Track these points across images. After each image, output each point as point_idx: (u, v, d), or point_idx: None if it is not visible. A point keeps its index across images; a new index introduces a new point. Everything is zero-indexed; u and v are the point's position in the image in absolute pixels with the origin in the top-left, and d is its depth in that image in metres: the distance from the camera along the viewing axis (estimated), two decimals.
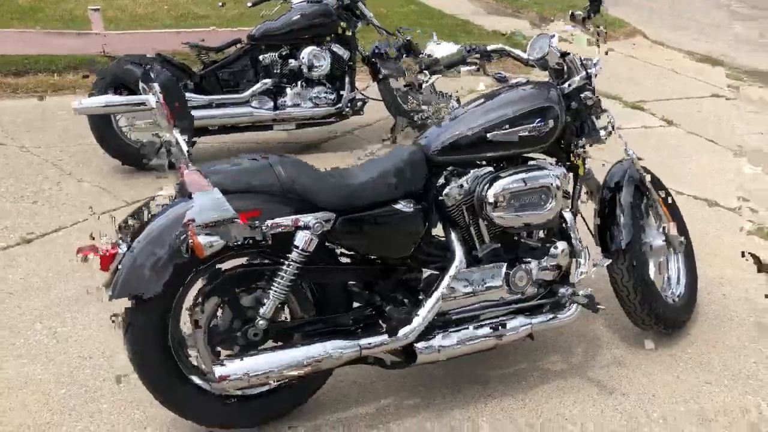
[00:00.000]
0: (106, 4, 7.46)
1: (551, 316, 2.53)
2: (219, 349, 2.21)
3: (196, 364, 2.22)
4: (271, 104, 4.48)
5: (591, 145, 2.62)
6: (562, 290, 2.56)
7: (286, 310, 2.31)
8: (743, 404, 2.55)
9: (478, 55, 2.65)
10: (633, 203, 2.72)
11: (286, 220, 2.09)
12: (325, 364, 2.18)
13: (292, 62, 4.53)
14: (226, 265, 2.20)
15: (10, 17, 7.16)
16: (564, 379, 2.66)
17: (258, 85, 4.40)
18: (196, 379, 2.21)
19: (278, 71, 4.53)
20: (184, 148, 2.02)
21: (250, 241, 2.07)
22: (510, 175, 2.40)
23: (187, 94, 4.13)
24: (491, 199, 2.35)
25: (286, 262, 2.11)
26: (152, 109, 2.15)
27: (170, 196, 2.17)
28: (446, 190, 2.39)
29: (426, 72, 4.98)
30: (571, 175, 2.61)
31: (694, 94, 6.52)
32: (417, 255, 2.38)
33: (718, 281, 3.32)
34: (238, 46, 4.50)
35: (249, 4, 4.89)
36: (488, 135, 2.39)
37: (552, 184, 2.43)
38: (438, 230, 2.46)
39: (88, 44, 5.84)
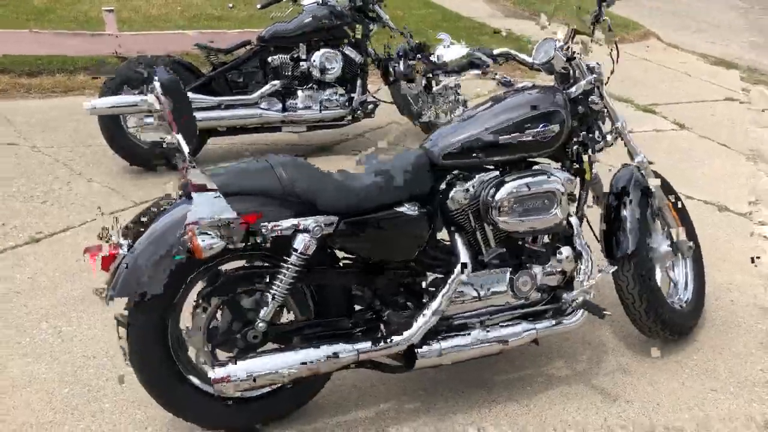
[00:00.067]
0: (120, 5, 7.53)
1: (556, 321, 2.51)
2: (217, 351, 2.22)
3: (195, 365, 2.22)
4: (279, 106, 4.48)
5: (600, 150, 2.60)
6: (566, 296, 2.54)
7: (285, 312, 2.31)
8: (748, 412, 2.52)
9: (484, 59, 2.64)
10: (639, 208, 2.69)
11: (286, 223, 2.09)
12: (323, 368, 2.18)
13: (304, 64, 4.54)
14: (226, 267, 2.21)
15: (25, 18, 7.24)
16: (568, 385, 2.65)
17: (267, 87, 4.41)
18: (195, 380, 2.22)
19: (289, 73, 4.54)
20: (186, 150, 2.02)
21: (251, 244, 2.08)
22: (516, 179, 2.39)
23: (196, 96, 4.15)
24: (497, 204, 2.34)
25: (286, 265, 2.11)
26: (157, 111, 2.16)
27: (172, 198, 2.18)
28: (451, 194, 2.38)
29: (442, 74, 5.01)
30: (577, 179, 2.59)
31: (708, 97, 6.46)
32: (421, 259, 2.37)
33: (727, 287, 3.29)
34: (248, 47, 4.51)
35: (258, 6, 4.90)
36: (494, 139, 2.37)
37: (558, 189, 2.42)
38: (442, 234, 2.45)
39: (101, 45, 5.90)
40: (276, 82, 4.43)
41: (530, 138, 2.41)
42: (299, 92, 4.55)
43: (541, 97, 2.49)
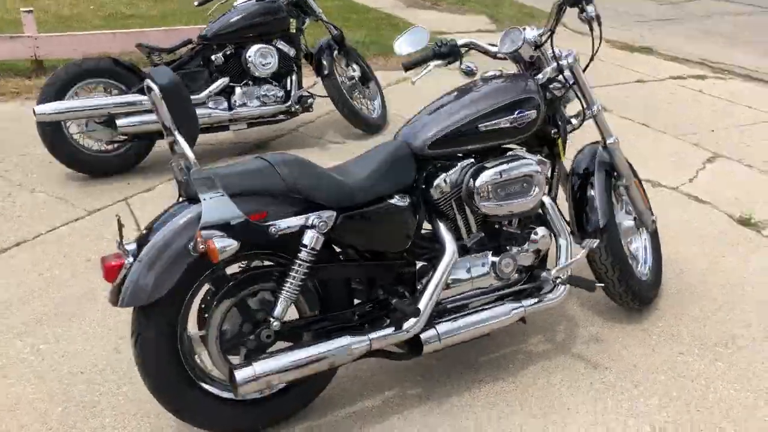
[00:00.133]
0: (27, 4, 7.15)
1: (540, 298, 2.63)
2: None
3: (207, 369, 2.21)
4: (226, 104, 4.44)
5: (571, 131, 2.74)
6: (544, 274, 2.67)
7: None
8: (715, 369, 2.75)
9: (447, 50, 2.72)
10: (605, 186, 2.86)
11: (294, 220, 2.11)
12: (339, 360, 2.22)
13: (241, 61, 4.50)
14: (231, 269, 2.21)
15: None
16: (549, 359, 2.79)
17: (215, 85, 4.35)
18: (205, 385, 2.21)
19: (228, 70, 4.49)
20: (190, 154, 2.00)
21: (259, 243, 2.09)
22: (496, 165, 2.49)
23: (142, 97, 4.04)
24: (479, 190, 2.43)
25: (298, 262, 2.13)
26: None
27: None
28: (435, 183, 2.46)
29: (355, 67, 5.09)
30: (548, 162, 2.72)
31: (621, 80, 6.82)
32: (411, 248, 2.44)
33: (674, 258, 3.53)
34: (190, 46, 4.42)
35: (195, 3, 4.80)
36: (475, 127, 2.46)
37: (535, 172, 2.54)
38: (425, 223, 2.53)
39: (18, 48, 5.59)
40: (225, 79, 4.37)
41: (508, 125, 2.52)
42: (237, 89, 4.51)
43: (514, 84, 2.60)
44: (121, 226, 2.07)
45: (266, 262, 2.25)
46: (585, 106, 2.80)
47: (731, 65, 7.43)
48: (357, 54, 5.28)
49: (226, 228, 2.00)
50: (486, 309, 2.54)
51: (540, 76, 2.68)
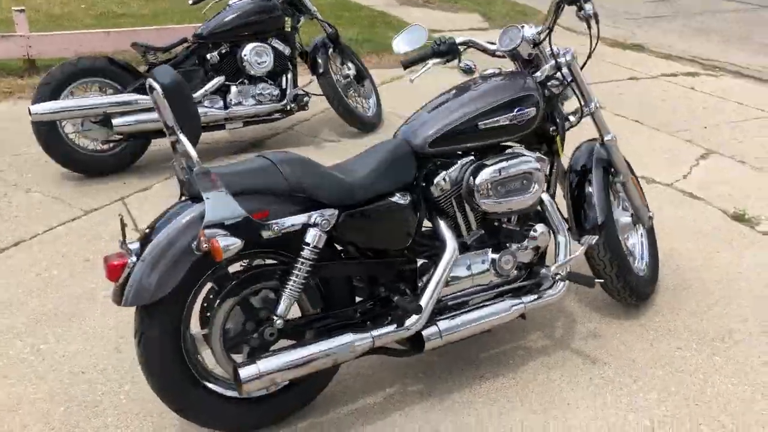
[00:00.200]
0: (18, 4, 7.12)
1: (539, 295, 2.65)
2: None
3: (211, 368, 2.22)
4: (221, 103, 4.44)
5: (569, 129, 2.76)
6: (543, 271, 2.69)
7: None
8: (712, 364, 2.77)
9: (446, 48, 2.73)
10: (603, 183, 2.88)
11: (297, 219, 2.12)
12: (342, 357, 2.23)
13: (236, 59, 4.50)
14: (233, 268, 2.21)
15: None
16: (548, 355, 2.80)
17: (211, 84, 4.35)
18: (209, 384, 2.22)
19: (224, 69, 4.49)
20: (193, 153, 2.01)
21: (262, 242, 2.09)
22: (495, 163, 2.50)
23: (138, 96, 4.03)
24: (479, 188, 2.45)
25: (300, 260, 2.14)
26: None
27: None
28: (435, 181, 2.47)
29: (350, 65, 5.10)
30: (547, 159, 2.74)
31: (613, 77, 6.86)
32: (412, 246, 2.45)
33: (669, 253, 3.55)
34: (185, 45, 4.41)
35: (190, 2, 4.79)
36: (475, 125, 2.48)
37: (534, 169, 2.55)
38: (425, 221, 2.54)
39: (10, 47, 5.56)
40: (220, 78, 4.37)
41: (508, 122, 2.53)
42: (233, 88, 4.51)
43: (514, 82, 2.61)
44: (123, 225, 2.07)
45: (269, 261, 2.26)
46: (583, 103, 2.82)
47: (723, 62, 7.48)
48: (352, 52, 5.29)
49: (229, 227, 2.00)
50: (486, 306, 2.56)
51: (538, 73, 2.69)
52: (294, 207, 2.15)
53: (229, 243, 1.97)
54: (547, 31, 2.64)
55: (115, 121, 4.01)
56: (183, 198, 2.15)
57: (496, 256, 2.56)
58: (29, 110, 3.81)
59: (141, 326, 2.06)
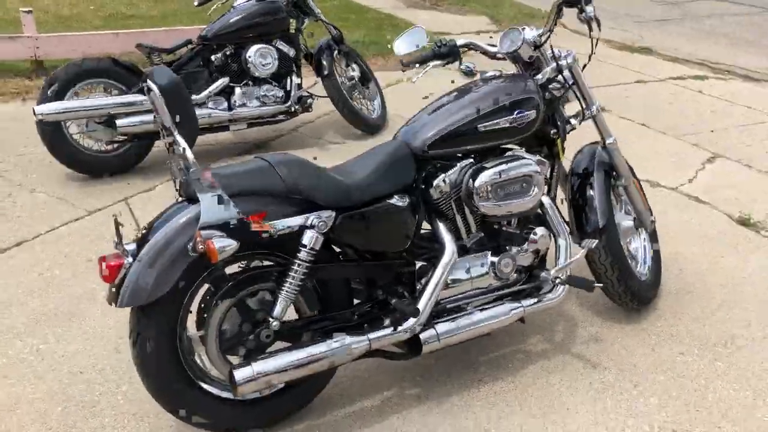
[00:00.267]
0: (26, 4, 7.17)
1: (539, 298, 2.63)
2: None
3: (206, 369, 2.22)
4: (226, 104, 4.45)
5: (570, 132, 2.74)
6: (543, 274, 2.67)
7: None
8: (714, 369, 2.75)
9: (447, 50, 2.73)
10: (604, 186, 2.86)
11: (294, 220, 2.12)
12: (339, 360, 2.22)
13: (240, 61, 4.51)
14: (230, 270, 2.21)
15: None
16: (548, 359, 2.79)
17: (215, 85, 4.36)
18: (204, 385, 2.21)
19: (228, 71, 4.50)
20: (188, 151, 2.01)
21: (258, 243, 2.09)
22: (495, 165, 2.49)
23: (141, 98, 4.04)
24: (479, 190, 2.44)
25: (297, 262, 2.14)
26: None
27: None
28: (434, 183, 2.46)
29: (354, 67, 5.10)
30: (547, 162, 2.72)
31: (621, 80, 6.83)
32: (411, 248, 2.44)
33: (673, 257, 3.53)
34: (189, 46, 4.43)
35: (195, 4, 4.81)
36: (475, 128, 2.47)
37: (534, 172, 2.54)
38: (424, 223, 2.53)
39: (18, 48, 5.60)
40: (225, 79, 4.38)
41: (508, 125, 2.52)
42: (237, 89, 4.52)
43: (514, 84, 2.60)
44: (118, 226, 2.07)
45: (265, 262, 2.25)
46: (584, 106, 2.81)
47: (731, 66, 7.43)
48: (356, 54, 5.29)
49: (225, 228, 2.00)
50: (485, 309, 2.54)
51: (539, 76, 2.68)
52: (291, 209, 2.15)
53: (224, 244, 1.97)
54: (548, 33, 2.63)
55: (120, 122, 4.02)
56: (180, 199, 2.15)
57: (495, 259, 2.55)
58: (34, 111, 3.83)
59: (137, 327, 2.07)
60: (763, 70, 7.25)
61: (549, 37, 2.64)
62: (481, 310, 2.54)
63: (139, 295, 1.99)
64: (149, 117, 4.06)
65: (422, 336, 2.37)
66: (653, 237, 3.18)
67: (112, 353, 2.69)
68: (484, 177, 2.45)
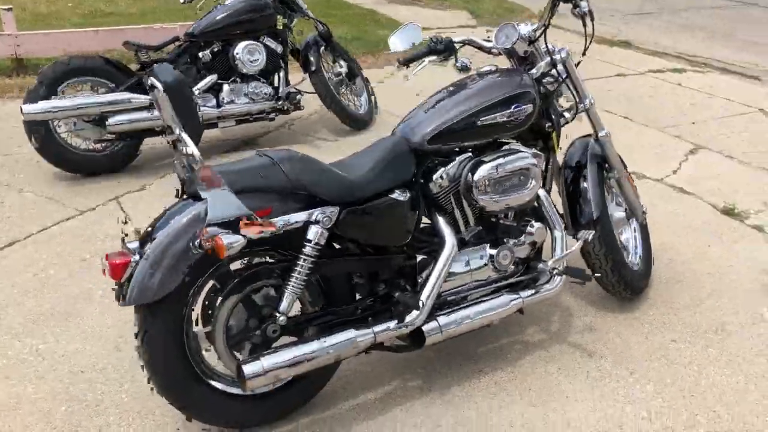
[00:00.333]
0: (5, 2, 7.06)
1: (537, 289, 2.68)
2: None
3: (214, 365, 2.22)
4: (214, 101, 4.43)
5: (564, 125, 2.79)
6: (540, 266, 2.72)
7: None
8: (707, 355, 2.81)
9: (443, 47, 2.75)
10: (598, 178, 2.91)
11: (298, 216, 2.13)
12: (345, 353, 2.24)
13: (228, 58, 4.50)
14: (235, 266, 2.22)
15: None
16: (545, 349, 2.83)
17: (203, 83, 4.34)
18: (212, 381, 2.22)
19: (216, 68, 4.49)
20: (194, 148, 2.01)
21: (264, 239, 2.10)
22: (493, 159, 2.52)
23: (132, 95, 4.01)
24: (478, 184, 2.47)
25: (302, 257, 2.15)
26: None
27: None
28: (433, 178, 2.49)
29: (341, 63, 5.11)
30: (543, 155, 2.76)
31: (601, 74, 6.91)
32: (412, 242, 2.47)
33: (662, 247, 3.60)
34: (177, 43, 4.40)
35: (181, 1, 4.78)
36: (473, 122, 2.50)
37: (531, 165, 2.58)
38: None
39: None
40: (213, 76, 4.37)
41: (505, 119, 2.55)
42: (225, 86, 4.51)
43: (510, 79, 2.64)
44: (123, 223, 2.07)
45: (270, 258, 2.27)
46: (578, 99, 2.85)
47: (708, 58, 7.56)
48: (343, 50, 5.30)
49: (231, 225, 2.01)
50: (485, 301, 2.58)
51: (534, 71, 2.72)
52: (295, 204, 2.16)
53: (232, 240, 1.98)
54: (543, 28, 2.66)
55: (108, 121, 3.99)
56: (184, 196, 2.16)
57: (494, 251, 2.59)
58: (21, 110, 3.78)
59: (144, 324, 2.07)
60: (739, 62, 7.39)
61: (544, 32, 2.67)
62: (481, 301, 2.57)
63: (146, 293, 2.00)
64: (138, 115, 4.04)
65: (425, 328, 2.39)
66: (644, 227, 3.24)
67: (112, 352, 2.68)
68: (482, 171, 2.48)
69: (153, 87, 2.02)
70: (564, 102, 2.87)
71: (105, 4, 7.93)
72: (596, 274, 2.81)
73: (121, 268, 2.01)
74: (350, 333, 2.24)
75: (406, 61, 2.77)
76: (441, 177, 2.49)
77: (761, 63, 7.41)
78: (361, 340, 2.25)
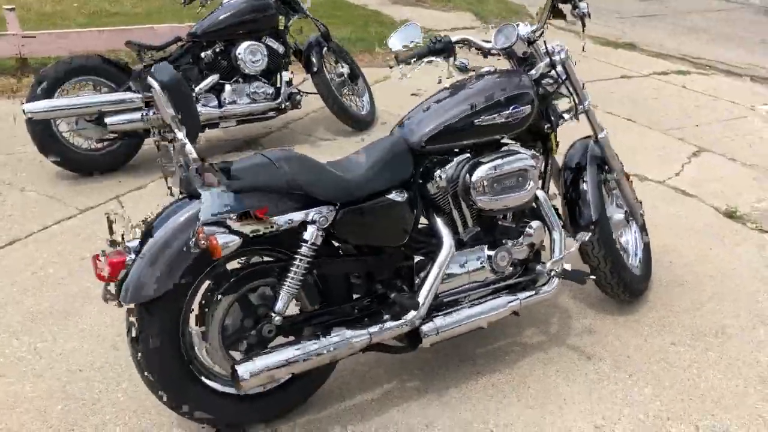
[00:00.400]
0: (9, 2, 7.09)
1: (534, 291, 2.66)
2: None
3: (209, 365, 2.22)
4: (216, 101, 4.44)
5: (562, 123, 2.78)
6: (539, 267, 2.71)
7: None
8: (706, 359, 2.80)
9: (441, 46, 2.75)
10: (597, 180, 2.90)
11: (295, 216, 2.13)
12: (340, 354, 2.24)
13: (230, 58, 4.50)
14: (231, 265, 2.22)
15: None
16: (544, 351, 2.82)
17: (205, 83, 4.35)
18: (207, 380, 2.22)
19: (218, 68, 4.49)
20: (191, 147, 2.01)
21: (259, 239, 2.10)
22: (491, 160, 2.51)
23: (133, 95, 4.02)
24: (476, 185, 2.46)
25: (298, 257, 2.15)
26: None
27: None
28: (432, 178, 2.48)
29: (343, 64, 5.11)
30: (541, 156, 2.76)
31: (605, 76, 6.90)
32: (409, 243, 2.46)
33: (663, 250, 3.58)
34: (179, 44, 4.41)
35: (181, 1, 4.79)
36: (471, 123, 2.49)
37: (530, 166, 2.57)
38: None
39: (2, 46, 5.55)
40: (215, 76, 4.37)
41: (504, 120, 2.54)
42: (227, 86, 4.52)
43: (509, 80, 2.63)
44: (111, 223, 2.07)
45: (266, 258, 2.27)
46: (577, 101, 2.84)
47: (712, 61, 7.53)
48: (345, 51, 5.30)
49: (227, 224, 2.01)
50: (482, 302, 2.57)
51: (533, 71, 2.71)
52: (292, 204, 2.16)
53: (227, 240, 1.97)
54: (542, 29, 2.66)
55: (109, 120, 4.00)
56: (181, 195, 2.16)
57: (491, 252, 2.58)
58: (23, 109, 3.80)
59: (140, 324, 2.07)
60: (744, 65, 7.36)
61: (542, 32, 2.66)
62: (478, 303, 2.56)
63: (142, 292, 2.00)
64: (139, 115, 4.04)
65: (422, 329, 2.39)
66: (643, 230, 3.23)
67: (109, 351, 2.69)
68: (480, 172, 2.47)
69: (151, 86, 2.02)
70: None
71: (110, 4, 7.96)
72: (591, 276, 2.79)
73: (117, 267, 2.01)
74: (346, 333, 2.24)
75: (404, 59, 2.76)
76: (439, 177, 2.48)
77: (767, 65, 7.39)
78: (357, 340, 2.25)
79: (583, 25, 2.67)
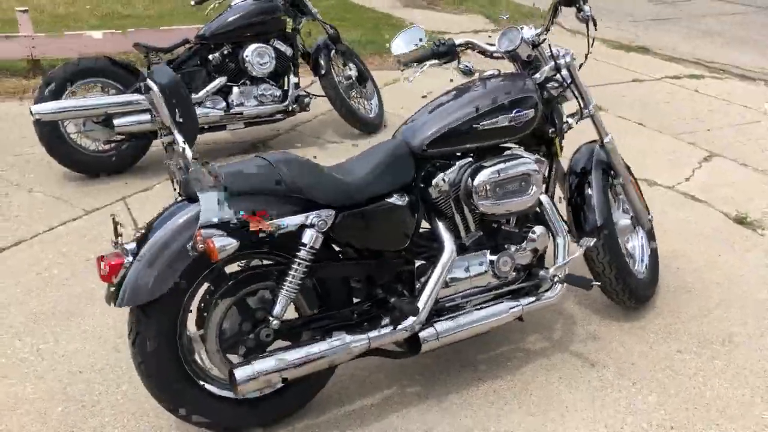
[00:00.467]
0: (21, 4, 7.16)
1: (537, 297, 2.64)
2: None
3: (207, 368, 2.22)
4: (223, 104, 4.45)
5: (567, 131, 2.75)
6: (542, 273, 2.68)
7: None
8: (712, 367, 2.76)
9: (445, 49, 2.73)
10: (602, 185, 2.87)
11: (294, 219, 2.12)
12: (339, 359, 2.22)
13: (238, 60, 4.51)
14: (230, 269, 2.21)
15: None
16: (547, 357, 2.79)
17: (212, 85, 4.36)
18: (205, 384, 2.22)
19: (226, 70, 4.50)
20: (188, 150, 2.01)
21: (258, 242, 2.09)
22: (494, 164, 2.49)
23: (138, 97, 4.03)
24: (478, 189, 2.44)
25: (297, 261, 2.14)
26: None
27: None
28: (433, 182, 2.46)
29: (352, 66, 5.10)
30: (545, 161, 2.73)
31: (616, 79, 6.85)
32: (410, 247, 2.45)
33: (671, 255, 3.54)
34: (187, 46, 4.43)
35: (192, 3, 4.81)
36: (474, 127, 2.47)
37: (533, 170, 2.55)
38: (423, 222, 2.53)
39: (14, 48, 5.59)
40: (222, 79, 4.38)
41: (507, 123, 2.52)
42: (235, 88, 4.52)
43: (513, 83, 2.60)
44: (117, 225, 2.07)
45: (265, 261, 2.26)
46: (582, 105, 2.81)
47: (727, 65, 7.45)
48: (353, 53, 5.30)
49: (225, 227, 2.00)
50: (484, 307, 2.55)
51: (537, 75, 2.68)
52: (291, 207, 2.15)
53: (225, 243, 1.97)
54: (546, 32, 2.63)
55: (117, 122, 4.02)
56: (180, 198, 2.16)
57: (494, 257, 2.56)
58: (31, 110, 3.82)
59: (137, 326, 2.07)
60: (758, 69, 7.27)
61: (547, 36, 2.64)
62: (480, 308, 2.54)
63: (139, 295, 2.00)
64: (146, 116, 4.06)
65: (421, 335, 2.37)
66: (651, 235, 3.19)
67: (111, 352, 2.69)
68: (483, 176, 2.45)
69: (149, 89, 2.02)
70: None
71: (122, 6, 8.01)
72: (597, 282, 2.76)
73: (115, 269, 2.01)
74: (345, 338, 2.22)
75: (408, 63, 2.75)
76: (441, 181, 2.46)
77: None
78: (356, 345, 2.24)
79: (588, 28, 2.64)
